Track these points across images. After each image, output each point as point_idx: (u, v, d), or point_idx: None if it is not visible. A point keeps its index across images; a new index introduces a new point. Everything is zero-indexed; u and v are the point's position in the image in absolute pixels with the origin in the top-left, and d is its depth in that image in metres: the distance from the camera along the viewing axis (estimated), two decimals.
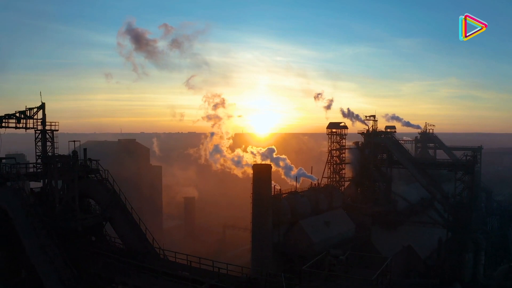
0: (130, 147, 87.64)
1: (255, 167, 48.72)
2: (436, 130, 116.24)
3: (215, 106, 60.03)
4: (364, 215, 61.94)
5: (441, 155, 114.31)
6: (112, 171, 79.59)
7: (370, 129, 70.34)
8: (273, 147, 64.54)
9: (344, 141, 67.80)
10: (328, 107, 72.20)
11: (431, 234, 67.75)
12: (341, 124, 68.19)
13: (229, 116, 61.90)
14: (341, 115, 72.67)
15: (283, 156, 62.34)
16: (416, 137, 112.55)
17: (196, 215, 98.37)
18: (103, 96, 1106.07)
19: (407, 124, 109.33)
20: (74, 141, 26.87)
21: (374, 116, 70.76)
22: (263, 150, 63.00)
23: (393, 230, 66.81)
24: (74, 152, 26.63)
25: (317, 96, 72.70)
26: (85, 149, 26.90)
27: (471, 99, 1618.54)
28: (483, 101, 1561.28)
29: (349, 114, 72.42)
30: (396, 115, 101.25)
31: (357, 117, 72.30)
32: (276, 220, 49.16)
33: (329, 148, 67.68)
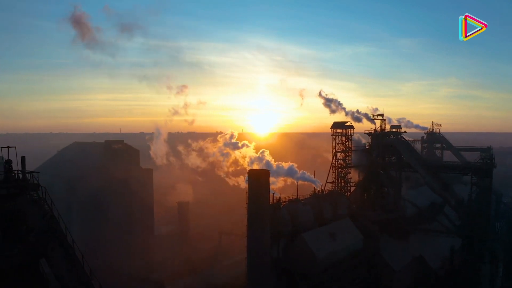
0: (118, 149, 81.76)
1: (251, 172, 43.30)
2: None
3: (170, 90, 54.79)
4: (371, 222, 56.73)
5: (447, 156, 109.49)
6: (97, 174, 73.75)
7: (378, 129, 64.74)
8: (234, 133, 58.92)
9: (349, 142, 62.24)
10: (300, 94, 67.72)
11: (442, 243, 62.98)
12: (346, 124, 62.72)
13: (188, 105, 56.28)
14: (324, 106, 66.85)
15: (247, 142, 56.31)
16: (422, 137, 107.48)
17: (190, 220, 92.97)
18: (103, 96, 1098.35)
19: (389, 121, 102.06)
20: (8, 147, 19.54)
21: (382, 115, 65.12)
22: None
23: (403, 239, 61.51)
24: (8, 162, 20.06)
25: (282, 82, 68.73)
26: (23, 158, 19.80)
27: (471, 99, 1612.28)
28: (483, 101, 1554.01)
29: (329, 102, 66.03)
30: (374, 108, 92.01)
31: (340, 104, 66.32)
32: (275, 232, 44.01)
33: (334, 150, 62.10)
